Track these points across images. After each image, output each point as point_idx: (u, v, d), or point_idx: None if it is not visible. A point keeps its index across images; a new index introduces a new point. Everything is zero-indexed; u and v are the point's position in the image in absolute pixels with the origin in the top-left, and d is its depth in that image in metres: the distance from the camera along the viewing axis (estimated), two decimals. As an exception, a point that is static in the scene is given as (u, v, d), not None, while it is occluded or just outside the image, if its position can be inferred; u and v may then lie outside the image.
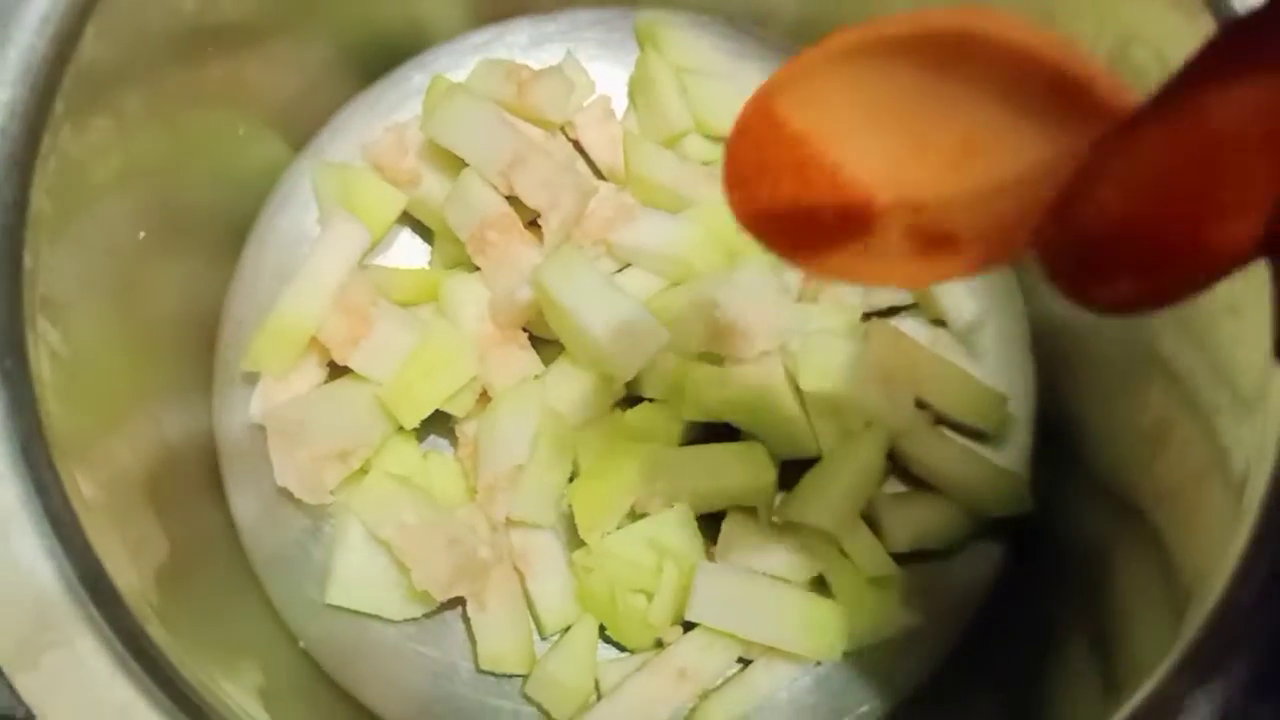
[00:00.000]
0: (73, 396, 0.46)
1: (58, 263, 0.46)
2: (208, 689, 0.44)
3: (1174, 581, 0.48)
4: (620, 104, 0.73)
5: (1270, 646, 0.42)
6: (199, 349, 0.64)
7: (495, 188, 0.66)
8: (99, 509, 0.45)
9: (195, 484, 0.61)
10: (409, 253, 0.71)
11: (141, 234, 0.54)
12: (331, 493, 0.62)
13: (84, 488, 0.44)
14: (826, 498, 0.61)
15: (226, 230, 0.66)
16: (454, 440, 0.66)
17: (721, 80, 0.72)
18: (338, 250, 0.64)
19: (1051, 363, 0.67)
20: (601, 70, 0.73)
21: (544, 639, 0.63)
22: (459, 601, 0.62)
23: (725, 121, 0.71)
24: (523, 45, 0.74)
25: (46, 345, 0.44)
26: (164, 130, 0.56)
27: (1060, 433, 0.65)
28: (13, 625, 0.39)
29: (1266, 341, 0.47)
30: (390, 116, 0.71)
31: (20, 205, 0.44)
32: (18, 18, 0.45)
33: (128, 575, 0.44)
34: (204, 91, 0.61)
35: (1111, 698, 0.47)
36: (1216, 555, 0.45)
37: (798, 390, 0.62)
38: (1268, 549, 0.44)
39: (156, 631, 0.43)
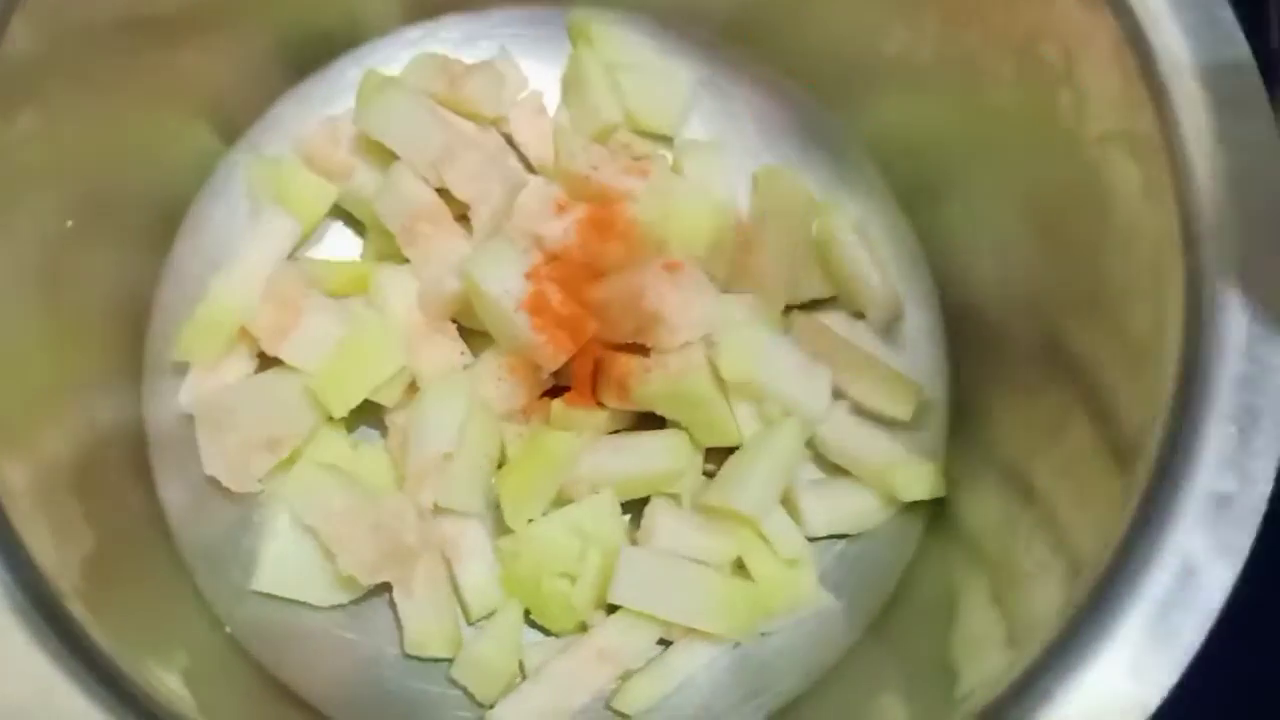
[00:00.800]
0: (-2, 384, 0.46)
1: (-21, 250, 0.47)
2: (133, 669, 0.44)
3: (1065, 554, 0.50)
4: (552, 100, 0.74)
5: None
6: (129, 338, 0.65)
7: (426, 180, 0.67)
8: (24, 494, 0.45)
9: (124, 472, 0.61)
10: (341, 245, 0.71)
11: (69, 223, 0.55)
12: (260, 482, 0.63)
13: (9, 473, 0.44)
14: (747, 483, 0.62)
15: (157, 220, 0.67)
16: (384, 430, 0.67)
17: (652, 76, 0.74)
18: (268, 241, 0.65)
19: (963, 352, 0.70)
20: (534, 66, 0.74)
21: (470, 624, 0.64)
22: (385, 589, 0.63)
23: (655, 116, 0.73)
24: (456, 41, 0.75)
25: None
26: (94, 121, 0.57)
27: (971, 418, 0.68)
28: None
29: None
30: (323, 110, 0.72)
31: (-58, 193, 0.44)
32: (-61, 6, 0.45)
33: (51, 558, 0.44)
34: (135, 83, 0.61)
35: (1011, 662, 0.49)
36: (1106, 529, 0.48)
37: (720, 380, 0.64)
38: (1152, 521, 0.46)
39: (77, 609, 0.43)
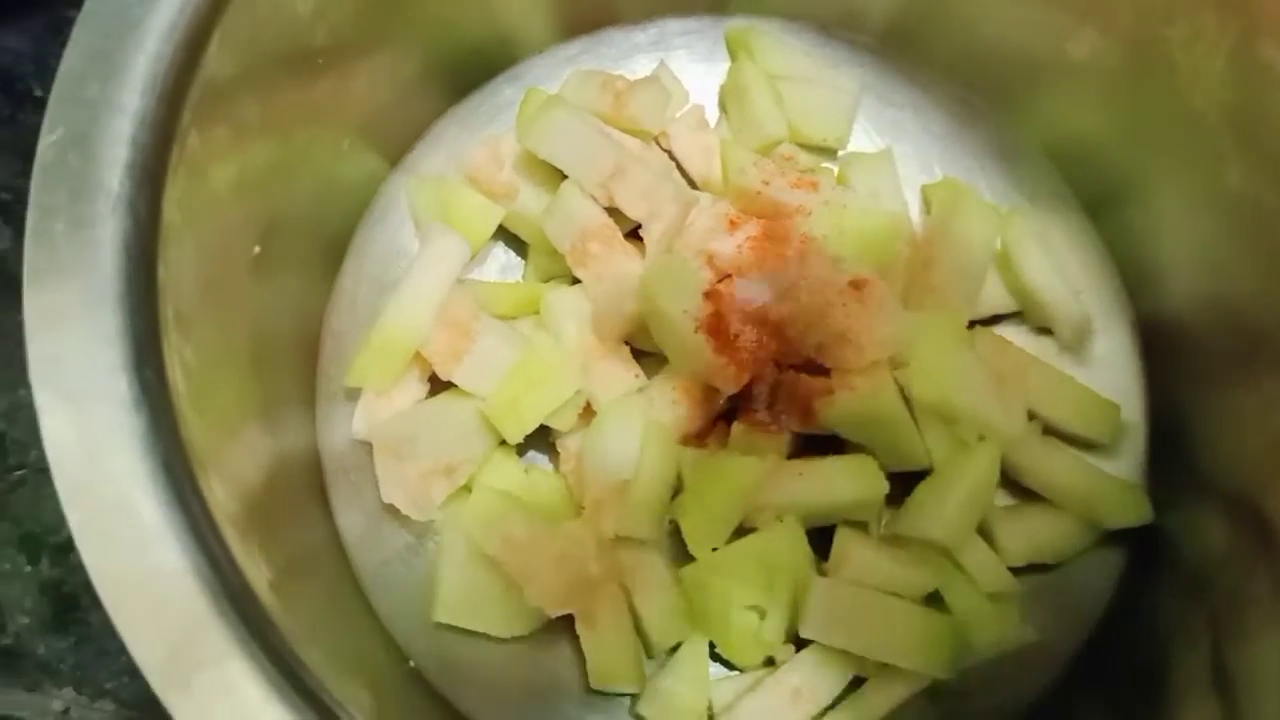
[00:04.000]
0: (203, 409, 0.45)
1: (185, 275, 0.46)
2: (347, 712, 0.43)
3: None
4: (712, 113, 0.72)
5: None
6: (302, 364, 0.64)
7: (595, 199, 0.65)
8: (231, 522, 0.44)
9: (303, 499, 0.61)
10: (501, 267, 0.70)
11: (256, 249, 0.54)
12: (437, 509, 0.61)
13: (219, 499, 0.43)
14: (941, 511, 0.59)
15: (327, 245, 0.66)
16: (553, 454, 0.65)
17: (815, 86, 0.71)
18: (438, 264, 0.64)
19: (1165, 367, 0.66)
20: (692, 79, 0.72)
21: (651, 657, 0.62)
22: (565, 620, 0.61)
23: (820, 128, 0.70)
24: (613, 56, 0.73)
25: (179, 358, 0.44)
26: (275, 142, 0.56)
27: (1178, 440, 0.63)
28: (162, 644, 0.38)
29: None
30: (483, 130, 0.71)
31: (154, 216, 0.44)
32: (146, 26, 0.45)
33: (263, 591, 0.43)
34: (304, 106, 0.60)
35: None
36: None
37: (908, 401, 0.61)
38: None
39: (306, 653, 0.42)
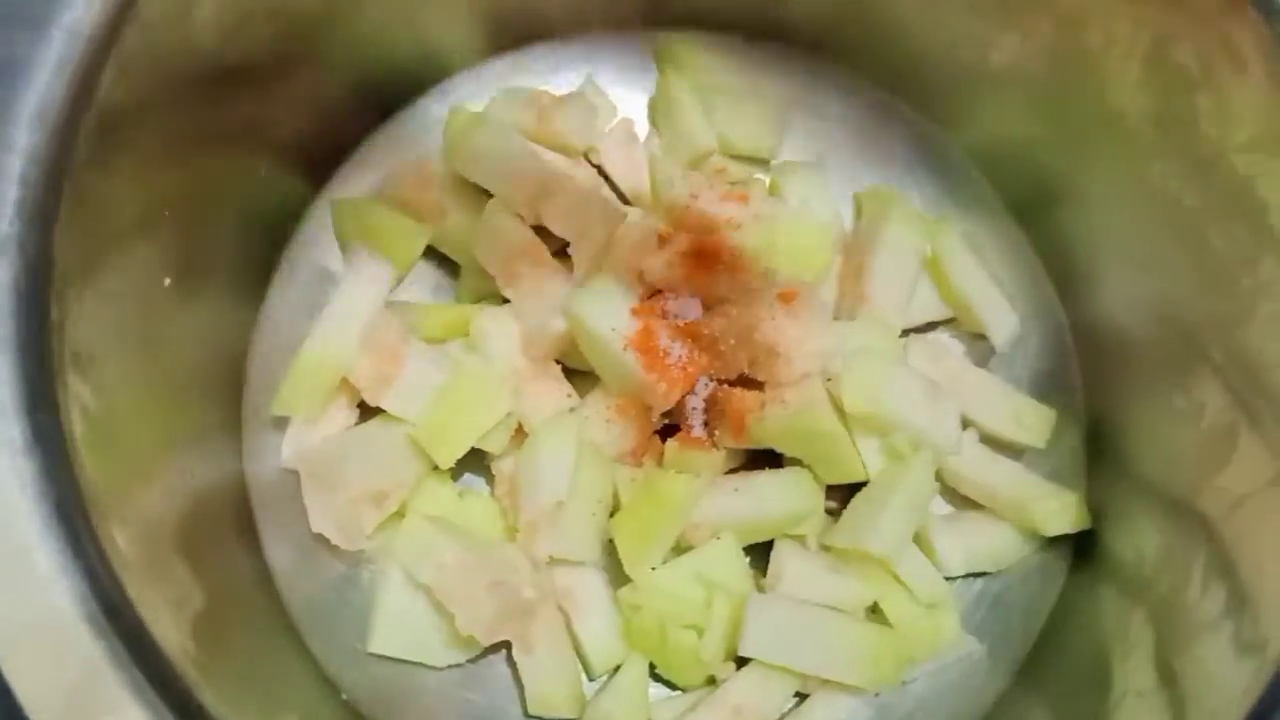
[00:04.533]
0: (104, 451, 0.44)
1: (85, 314, 0.45)
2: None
3: (1250, 609, 0.46)
4: (642, 127, 0.72)
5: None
6: (226, 394, 0.63)
7: (522, 218, 0.64)
8: (135, 566, 0.43)
9: (228, 532, 0.59)
10: (433, 287, 0.69)
11: (167, 281, 0.53)
12: (368, 537, 0.60)
13: (120, 544, 0.42)
14: (878, 522, 0.59)
15: (249, 272, 0.65)
16: (489, 477, 0.64)
17: (744, 97, 0.71)
18: (363, 288, 0.63)
19: (1099, 370, 0.66)
20: (620, 94, 0.72)
21: (591, 680, 0.61)
22: (503, 644, 0.60)
23: (750, 139, 0.70)
24: (540, 71, 0.72)
25: (78, 400, 0.43)
26: (185, 172, 0.55)
27: (1115, 444, 0.63)
28: (60, 695, 0.37)
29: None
30: (411, 149, 0.70)
31: (45, 256, 0.42)
32: (35, 61, 0.44)
33: (169, 633, 0.42)
34: (222, 131, 0.59)
35: None
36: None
37: (841, 413, 0.60)
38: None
39: (206, 696, 0.41)
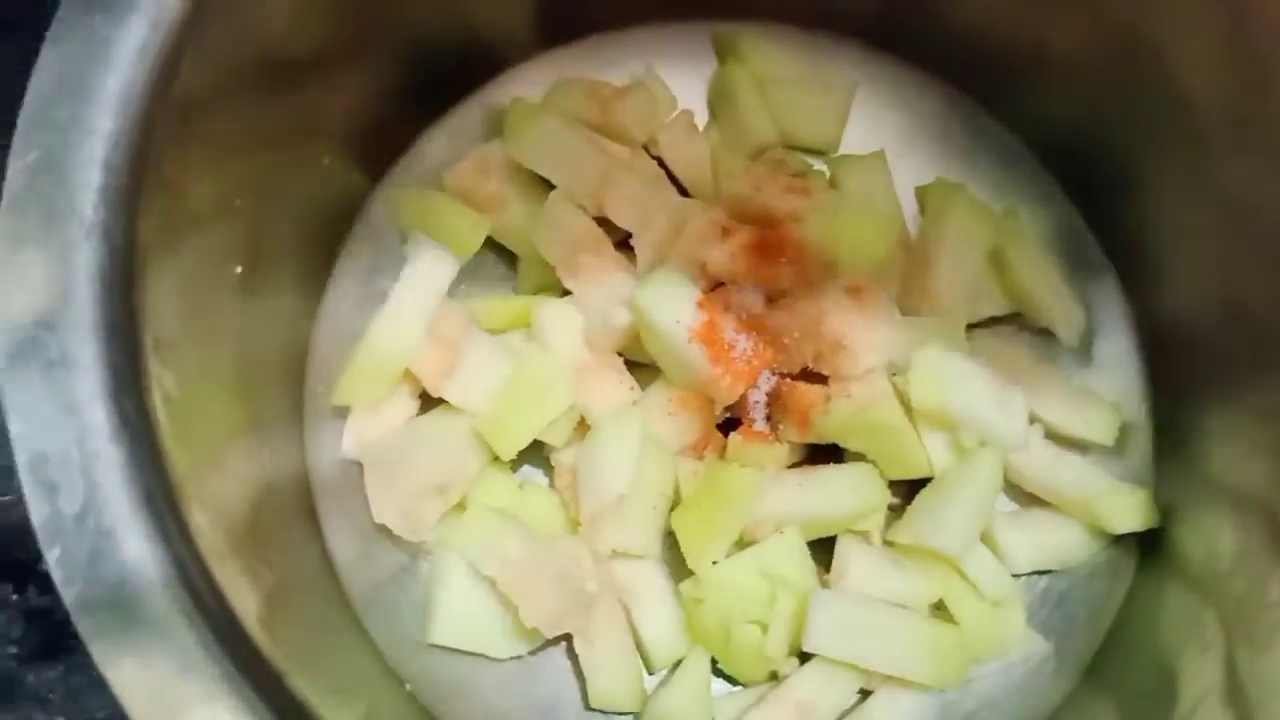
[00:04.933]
0: (184, 438, 0.44)
1: (164, 301, 0.45)
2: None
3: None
4: (701, 118, 0.71)
5: None
6: (290, 383, 0.63)
7: (584, 209, 0.64)
8: (216, 554, 0.43)
9: (293, 522, 0.59)
10: (492, 280, 0.69)
11: (238, 269, 0.53)
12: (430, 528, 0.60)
13: (203, 529, 0.42)
14: (944, 519, 0.58)
15: (312, 262, 0.65)
16: (547, 468, 0.64)
17: (804, 88, 0.70)
18: (425, 279, 0.62)
19: (1168, 367, 0.65)
20: (680, 85, 0.71)
21: (651, 674, 0.61)
22: (563, 637, 0.60)
23: (810, 130, 0.69)
24: (599, 64, 0.72)
25: (160, 386, 0.43)
26: (254, 160, 0.55)
27: (1184, 441, 0.62)
28: (147, 684, 0.37)
29: None
30: (469, 142, 0.70)
31: (128, 242, 0.42)
32: (116, 46, 0.44)
33: (250, 622, 0.42)
34: (285, 124, 0.59)
35: None
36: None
37: (908, 408, 0.60)
38: None
39: (296, 684, 0.41)
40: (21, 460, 0.39)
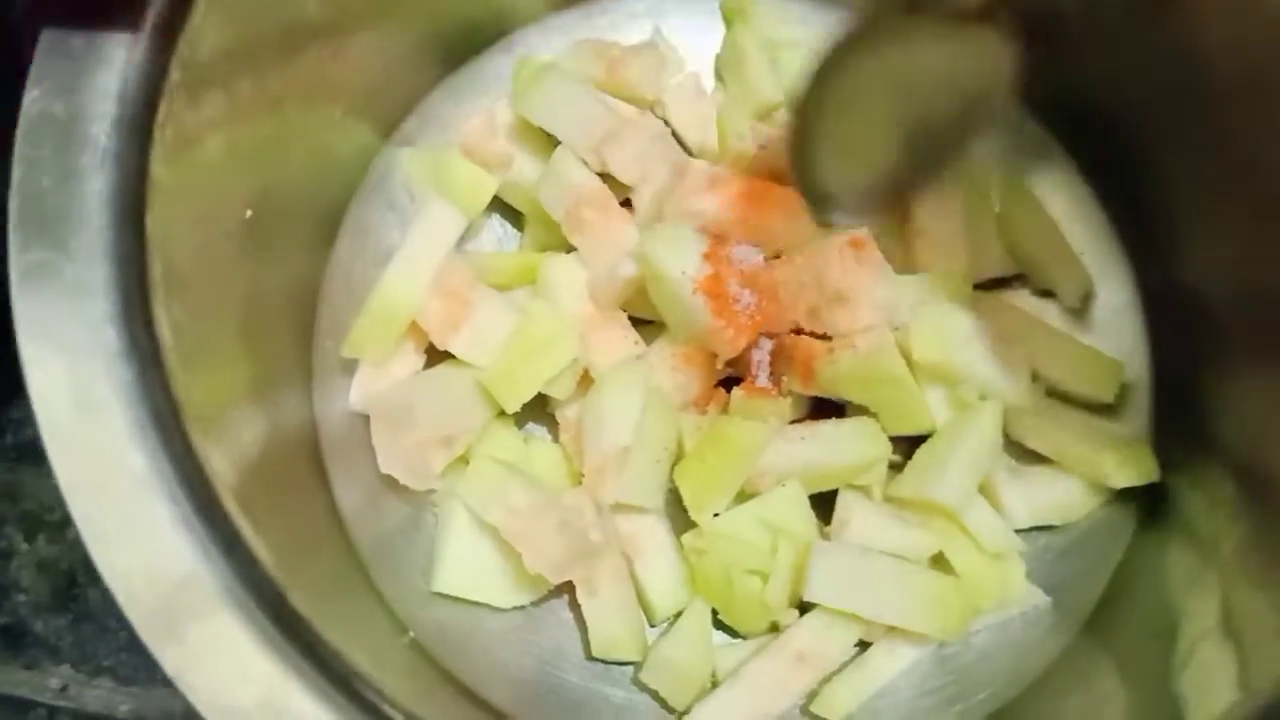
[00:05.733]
0: (195, 368, 0.44)
1: (175, 233, 0.45)
2: (345, 659, 0.42)
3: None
4: (708, 81, 0.72)
5: None
6: (298, 336, 0.63)
7: (588, 165, 0.64)
8: (225, 485, 0.44)
9: (301, 472, 0.60)
10: (497, 239, 0.69)
11: (249, 213, 0.53)
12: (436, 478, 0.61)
13: (213, 460, 0.43)
14: (944, 471, 0.59)
15: (321, 216, 0.65)
16: (551, 424, 0.65)
17: (810, 52, 0.70)
18: (433, 234, 0.63)
19: (1170, 327, 0.65)
20: (688, 47, 0.72)
21: (653, 625, 0.61)
22: (566, 588, 0.60)
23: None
24: (606, 26, 0.72)
25: (169, 314, 0.43)
26: (267, 112, 0.56)
27: (1184, 399, 0.62)
28: (153, 597, 0.38)
29: None
30: (476, 101, 0.70)
31: (141, 171, 0.43)
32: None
33: (261, 553, 0.43)
34: (296, 80, 0.60)
35: (1245, 691, 0.44)
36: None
37: (910, 363, 0.60)
38: None
39: (296, 599, 0.42)
40: (33, 382, 0.40)
